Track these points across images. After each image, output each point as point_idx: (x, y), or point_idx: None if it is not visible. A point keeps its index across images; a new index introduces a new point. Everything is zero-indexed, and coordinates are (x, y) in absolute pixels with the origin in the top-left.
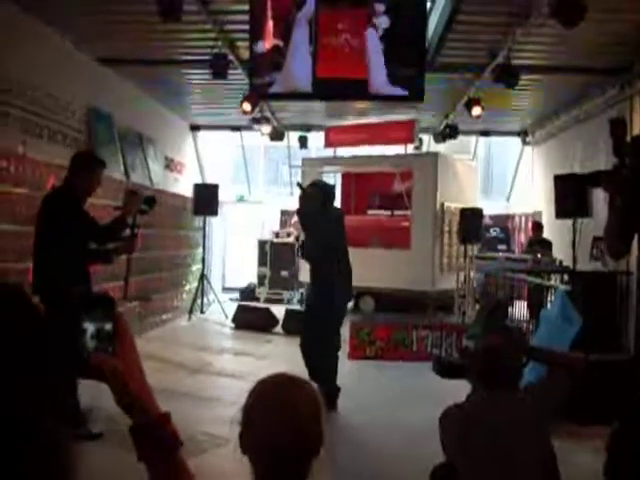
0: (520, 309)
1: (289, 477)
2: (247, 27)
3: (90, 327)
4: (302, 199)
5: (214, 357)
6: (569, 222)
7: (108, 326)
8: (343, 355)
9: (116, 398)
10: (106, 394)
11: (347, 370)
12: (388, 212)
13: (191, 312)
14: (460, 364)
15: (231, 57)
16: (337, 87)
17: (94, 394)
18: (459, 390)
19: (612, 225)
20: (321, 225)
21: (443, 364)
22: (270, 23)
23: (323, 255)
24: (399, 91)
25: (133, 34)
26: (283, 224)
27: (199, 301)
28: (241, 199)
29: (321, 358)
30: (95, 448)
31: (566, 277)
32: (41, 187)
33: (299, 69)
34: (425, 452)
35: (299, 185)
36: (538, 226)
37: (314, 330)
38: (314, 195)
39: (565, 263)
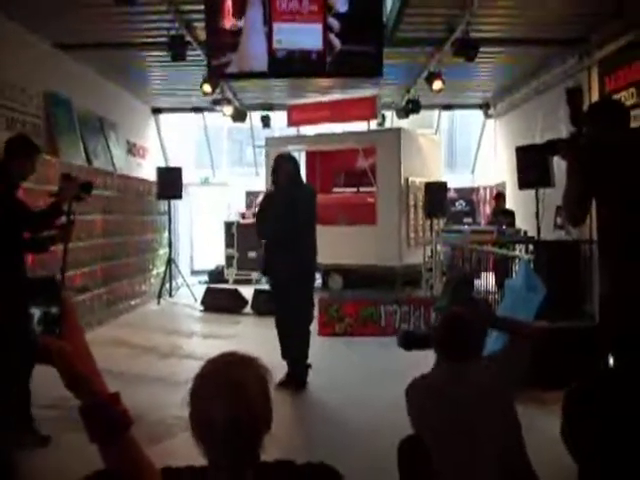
0: (487, 280)
1: (238, 455)
2: (203, 7)
3: (36, 311)
4: (276, 172)
5: (184, 340)
6: (532, 192)
7: (54, 309)
8: (312, 332)
9: (64, 380)
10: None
11: (317, 347)
12: (353, 189)
13: (160, 296)
14: (424, 334)
15: (189, 38)
16: (293, 65)
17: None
18: (429, 365)
19: (570, 192)
20: (300, 197)
21: (407, 336)
22: (229, 2)
23: (303, 227)
24: (357, 68)
25: (89, 18)
26: (249, 205)
27: (167, 285)
28: (205, 181)
29: (295, 331)
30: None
31: (531, 247)
32: (42, 181)
33: (255, 48)
34: (395, 427)
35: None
36: (500, 196)
37: (291, 304)
38: (287, 168)
39: (530, 233)
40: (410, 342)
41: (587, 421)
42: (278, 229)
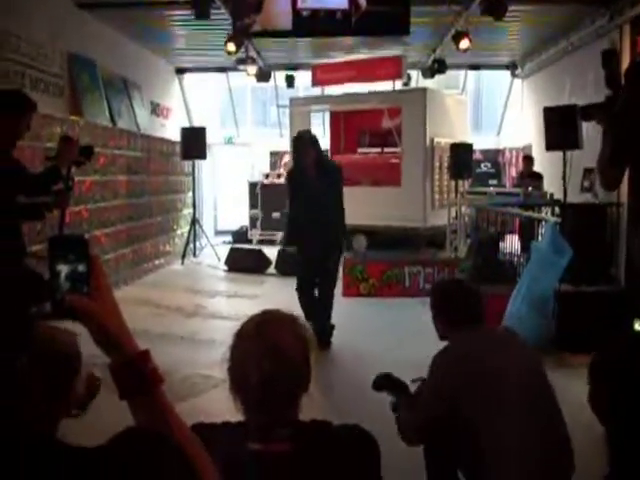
0: (512, 243)
1: (277, 413)
2: None
3: (64, 268)
4: (298, 155)
5: (208, 300)
6: (559, 154)
7: (82, 267)
8: (337, 293)
9: (94, 338)
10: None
11: (341, 308)
12: (378, 149)
13: (184, 256)
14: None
15: None
16: (319, 23)
17: None
18: None
19: (606, 156)
20: (327, 183)
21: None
22: None
23: (331, 210)
24: (383, 26)
25: None
26: (273, 165)
27: (191, 245)
28: (229, 141)
29: (320, 293)
30: None
31: (557, 210)
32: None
33: (280, 7)
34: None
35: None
36: (529, 159)
37: (315, 274)
38: (311, 152)
39: (556, 196)
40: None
41: (615, 385)
42: (306, 214)
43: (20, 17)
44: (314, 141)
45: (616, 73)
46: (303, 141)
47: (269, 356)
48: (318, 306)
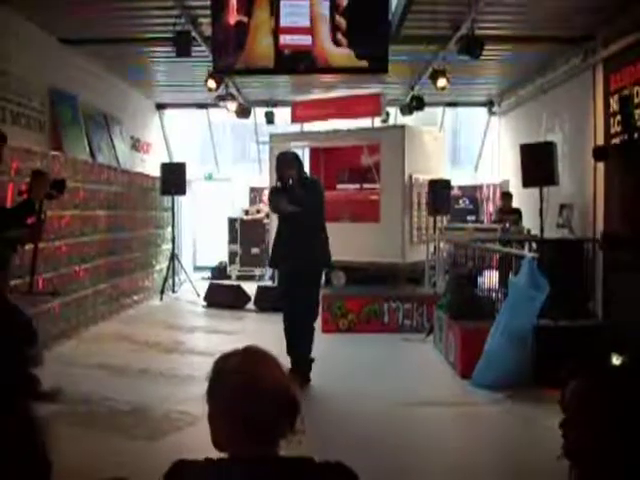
0: (490, 278)
1: (259, 449)
2: (209, 3)
3: None
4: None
5: (187, 336)
6: (536, 190)
7: None
8: (316, 329)
9: None
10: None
11: (321, 344)
12: (357, 186)
13: (163, 292)
14: None
15: (194, 34)
16: (299, 61)
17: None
18: (429, 361)
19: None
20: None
21: None
22: None
23: (311, 228)
24: (363, 63)
25: (94, 13)
26: (252, 201)
27: (170, 281)
28: (209, 177)
29: (301, 327)
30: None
31: (534, 245)
32: (6, 172)
33: (261, 45)
34: (399, 420)
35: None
36: (507, 195)
37: (299, 300)
38: (292, 173)
39: (533, 232)
40: None
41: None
42: (287, 229)
43: (2, 51)
44: (296, 159)
45: (632, 117)
46: (285, 158)
47: (251, 392)
48: (299, 338)
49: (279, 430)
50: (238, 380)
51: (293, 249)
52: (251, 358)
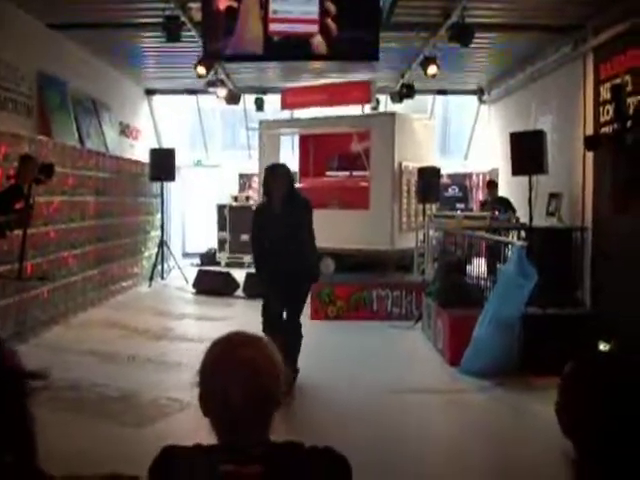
0: (478, 266)
1: (249, 434)
2: None
3: None
4: (268, 190)
5: (176, 322)
6: (525, 179)
7: None
8: (304, 316)
9: None
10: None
11: (309, 331)
12: (347, 173)
13: (151, 279)
14: None
15: (184, 19)
16: (289, 48)
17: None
18: (418, 348)
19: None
20: (295, 220)
21: None
22: None
23: (298, 245)
24: (353, 52)
25: None
26: (242, 187)
27: (159, 267)
28: (198, 163)
29: (287, 333)
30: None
31: (523, 234)
32: None
33: (250, 31)
34: (388, 408)
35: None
36: (493, 185)
37: (288, 309)
38: (281, 189)
39: (522, 220)
40: None
41: (584, 399)
42: (271, 249)
43: None
44: (288, 174)
45: (624, 106)
46: (276, 173)
47: (242, 377)
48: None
49: (268, 413)
50: (226, 364)
51: (284, 261)
52: (239, 342)
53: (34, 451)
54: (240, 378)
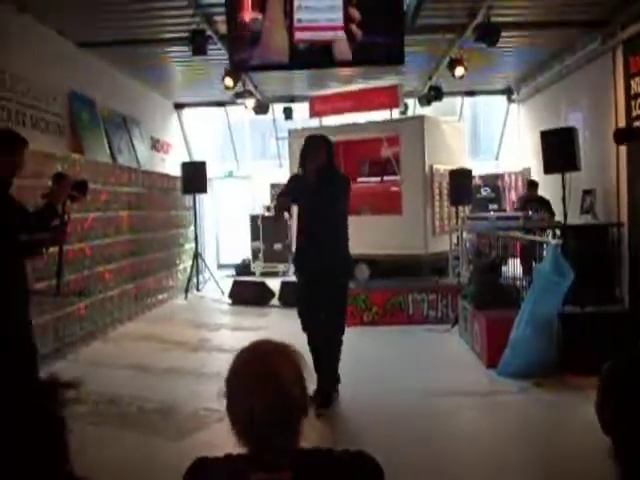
0: (514, 266)
1: (277, 442)
2: (224, 1)
3: None
4: (305, 158)
5: (212, 333)
6: (558, 177)
7: None
8: None
9: None
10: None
11: (345, 337)
12: (378, 178)
13: (187, 291)
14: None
15: (210, 32)
16: (315, 55)
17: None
18: (455, 351)
19: None
20: (331, 194)
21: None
22: None
23: (334, 225)
24: (379, 57)
25: (109, 15)
26: (273, 197)
27: (195, 279)
28: (230, 175)
29: (325, 341)
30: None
31: (558, 232)
32: (27, 176)
33: (276, 40)
34: (428, 411)
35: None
36: (532, 184)
37: (326, 309)
38: (320, 158)
39: (556, 218)
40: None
41: (622, 394)
42: (307, 226)
43: (20, 56)
44: (327, 143)
45: None
46: (315, 141)
47: (267, 386)
48: (324, 354)
49: (296, 421)
50: (251, 374)
51: (321, 250)
52: (263, 351)
53: (65, 456)
54: (263, 389)
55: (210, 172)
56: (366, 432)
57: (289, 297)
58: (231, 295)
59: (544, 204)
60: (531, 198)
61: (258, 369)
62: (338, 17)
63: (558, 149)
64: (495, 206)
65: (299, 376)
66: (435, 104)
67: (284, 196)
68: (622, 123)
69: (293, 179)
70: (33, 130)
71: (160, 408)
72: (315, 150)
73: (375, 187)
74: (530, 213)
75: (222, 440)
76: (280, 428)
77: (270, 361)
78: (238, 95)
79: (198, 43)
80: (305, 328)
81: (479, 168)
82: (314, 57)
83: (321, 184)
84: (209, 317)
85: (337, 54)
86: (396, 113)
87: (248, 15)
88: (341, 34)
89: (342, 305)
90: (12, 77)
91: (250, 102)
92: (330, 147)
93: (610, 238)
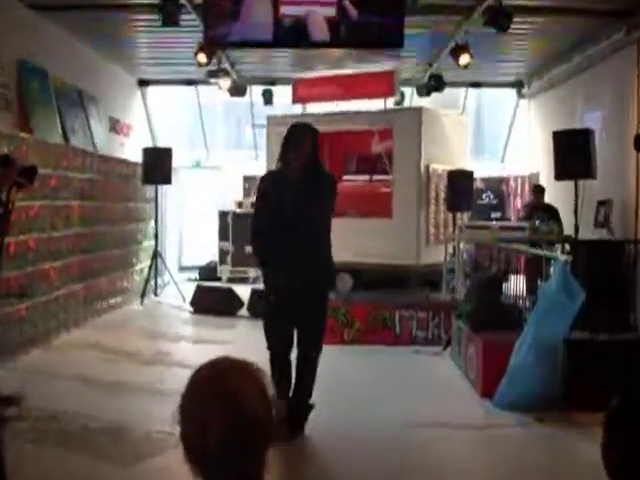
0: (517, 284)
1: (237, 470)
2: None
3: None
4: (288, 148)
5: (170, 346)
6: (570, 184)
7: None
8: None
9: None
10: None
11: (322, 357)
12: (366, 177)
13: (144, 295)
14: None
15: (183, 1)
16: (302, 33)
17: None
18: (446, 377)
19: None
20: (316, 192)
21: None
22: None
23: (316, 232)
24: (374, 38)
25: None
26: (247, 192)
27: (152, 282)
28: (198, 165)
29: (304, 364)
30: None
31: (568, 247)
32: None
33: (258, 15)
34: (412, 445)
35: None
36: (539, 190)
37: (302, 326)
38: (305, 148)
39: (567, 231)
40: None
41: (628, 436)
42: (282, 230)
43: None
44: (314, 133)
45: None
46: (300, 130)
47: (225, 405)
48: (296, 375)
49: (260, 449)
50: (210, 395)
51: (301, 255)
52: (225, 369)
53: (1, 475)
54: (220, 410)
55: (176, 160)
56: (339, 466)
57: (260, 307)
58: (193, 302)
59: (552, 213)
60: (537, 206)
61: (216, 387)
62: None
63: (572, 153)
64: (498, 214)
65: (264, 396)
66: (435, 95)
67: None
68: None
69: (268, 179)
70: None
71: (108, 428)
72: (300, 141)
73: (363, 186)
74: (537, 223)
75: (177, 468)
76: (240, 453)
77: (230, 380)
78: (212, 74)
79: (169, 12)
80: (272, 347)
81: (481, 170)
82: (301, 34)
83: (307, 181)
84: (168, 326)
85: (314, 33)
86: (390, 103)
87: None
88: (332, 11)
89: (321, 319)
90: None
91: (225, 82)
92: (317, 138)
93: (626, 256)
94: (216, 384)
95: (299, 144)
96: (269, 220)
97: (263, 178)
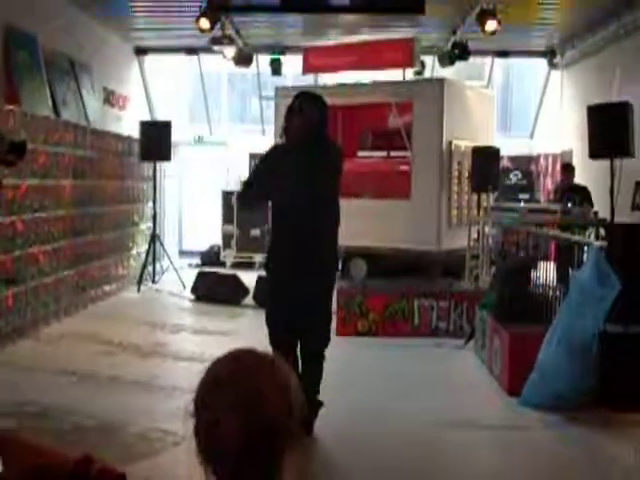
0: (546, 272)
1: (258, 477)
2: None
3: None
4: (292, 117)
5: (169, 337)
6: (606, 164)
7: None
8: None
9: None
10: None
11: (334, 350)
12: (383, 153)
13: (140, 282)
14: None
15: None
16: None
17: None
18: (469, 373)
19: None
20: (322, 164)
21: None
22: None
23: (321, 208)
24: (393, 3)
25: None
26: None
27: (150, 268)
28: (200, 140)
29: (310, 359)
30: None
31: (602, 232)
32: None
33: None
34: (431, 446)
35: None
36: (569, 168)
37: (307, 319)
38: (312, 116)
39: (601, 214)
40: None
41: None
42: (286, 206)
43: None
44: (322, 103)
45: None
46: (306, 99)
47: (240, 404)
48: (302, 371)
49: (281, 451)
50: (228, 393)
51: (301, 247)
52: (243, 364)
53: None
54: (237, 405)
55: (176, 135)
56: (351, 469)
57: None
58: (194, 290)
59: (584, 194)
60: (568, 186)
61: (238, 387)
62: None
63: (608, 129)
64: (527, 195)
65: (287, 395)
66: (459, 65)
67: (259, 187)
68: None
69: (272, 154)
70: None
71: (101, 426)
72: (305, 110)
73: (379, 164)
74: (569, 205)
75: (180, 468)
76: (256, 457)
77: (251, 376)
78: (215, 41)
79: None
80: (274, 342)
81: (509, 147)
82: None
83: (309, 153)
84: (166, 316)
85: None
86: (410, 74)
87: None
88: None
89: (327, 310)
90: None
91: (230, 51)
92: (325, 109)
93: None
94: (238, 383)
95: (304, 113)
96: (271, 196)
97: (266, 155)
